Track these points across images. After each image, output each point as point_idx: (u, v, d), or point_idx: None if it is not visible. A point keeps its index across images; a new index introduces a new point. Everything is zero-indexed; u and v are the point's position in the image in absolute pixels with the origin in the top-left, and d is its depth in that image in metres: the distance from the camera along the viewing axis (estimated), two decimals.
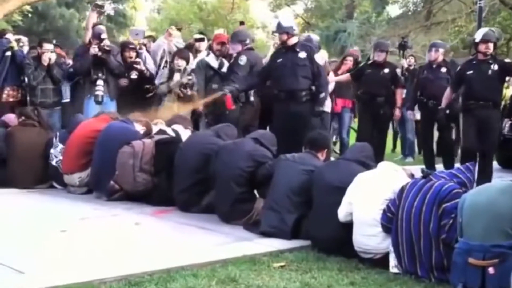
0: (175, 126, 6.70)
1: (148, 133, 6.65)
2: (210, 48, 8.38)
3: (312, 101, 7.23)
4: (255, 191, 5.63)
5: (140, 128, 6.73)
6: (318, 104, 7.27)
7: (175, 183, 6.00)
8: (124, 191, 6.26)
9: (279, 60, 7.28)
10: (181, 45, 8.82)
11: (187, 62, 8.16)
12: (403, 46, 9.76)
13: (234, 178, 5.44)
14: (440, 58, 8.72)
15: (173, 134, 6.56)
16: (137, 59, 8.46)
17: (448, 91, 7.87)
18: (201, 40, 8.83)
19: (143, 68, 8.41)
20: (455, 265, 3.78)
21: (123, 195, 6.26)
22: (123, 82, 8.38)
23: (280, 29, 7.33)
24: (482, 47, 7.40)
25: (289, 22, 7.53)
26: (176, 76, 8.04)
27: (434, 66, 8.67)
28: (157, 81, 8.43)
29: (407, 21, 22.34)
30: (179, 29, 9.48)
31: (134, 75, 8.36)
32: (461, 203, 3.87)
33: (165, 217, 5.70)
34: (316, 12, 26.11)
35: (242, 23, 10.51)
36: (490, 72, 7.36)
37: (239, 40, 7.80)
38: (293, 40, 7.29)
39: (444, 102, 7.90)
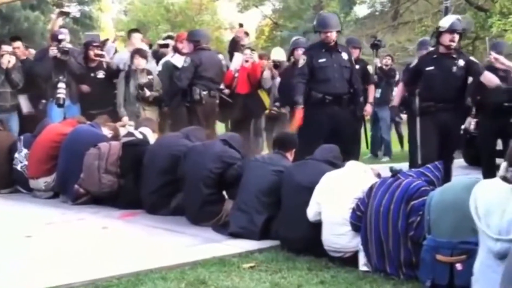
0: (143, 129, 6.65)
1: (116, 137, 6.59)
2: (175, 48, 8.31)
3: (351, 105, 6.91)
4: (224, 193, 5.60)
5: (107, 132, 6.66)
6: (359, 109, 7.07)
7: (143, 185, 5.95)
8: (90, 195, 6.19)
9: (321, 61, 6.74)
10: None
11: (146, 61, 8.09)
12: (376, 46, 9.74)
13: (202, 179, 5.41)
14: None
15: (140, 137, 6.50)
16: (102, 52, 8.34)
17: (400, 87, 7.03)
18: (166, 46, 8.74)
19: (109, 60, 8.31)
20: (424, 262, 3.81)
21: (89, 199, 6.21)
22: (85, 88, 8.25)
23: (334, 26, 6.86)
24: (447, 39, 6.30)
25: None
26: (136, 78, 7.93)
27: None
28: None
29: (375, 21, 22.54)
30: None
31: (101, 74, 8.26)
32: (428, 201, 3.89)
33: (132, 220, 5.65)
34: (284, 13, 26.20)
35: (241, 25, 10.30)
36: (454, 68, 6.31)
37: (192, 40, 7.79)
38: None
39: (396, 99, 7.17)
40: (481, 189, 3.45)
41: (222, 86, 8.52)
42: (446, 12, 13.42)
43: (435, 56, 6.43)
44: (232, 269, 4.22)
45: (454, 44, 6.31)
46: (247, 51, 9.03)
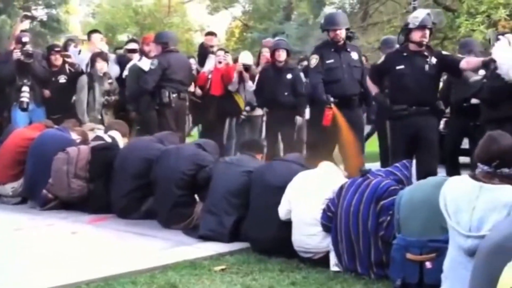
0: (112, 133, 6.58)
1: (84, 142, 6.52)
2: (141, 51, 8.22)
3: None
4: (196, 196, 5.57)
5: (76, 137, 6.60)
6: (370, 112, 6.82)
7: (114, 189, 5.92)
8: (58, 199, 6.12)
9: (329, 61, 6.47)
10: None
11: (107, 63, 8.01)
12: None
13: (175, 181, 5.39)
14: None
15: (109, 140, 6.43)
16: (68, 53, 8.25)
17: (370, 84, 6.24)
18: (134, 51, 8.65)
19: (75, 62, 8.22)
20: (394, 261, 3.83)
21: (58, 204, 6.14)
22: (46, 93, 8.14)
23: (342, 24, 6.61)
24: (417, 35, 5.79)
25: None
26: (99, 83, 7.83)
27: None
28: None
29: None
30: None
31: (62, 79, 8.16)
32: (398, 200, 3.91)
33: (102, 224, 5.59)
34: (254, 14, 26.20)
35: (211, 33, 10.20)
36: (427, 67, 5.81)
37: (160, 42, 7.72)
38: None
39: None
40: (450, 187, 3.49)
41: (192, 88, 8.49)
42: None
43: (405, 54, 5.91)
44: (203, 272, 4.20)
45: (425, 40, 5.82)
46: (220, 52, 9.01)
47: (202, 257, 4.50)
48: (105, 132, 6.70)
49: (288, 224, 4.50)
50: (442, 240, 3.53)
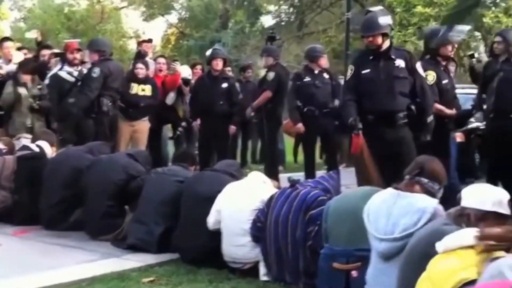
0: (40, 142, 6.41)
1: (11, 152, 6.34)
2: (63, 59, 7.76)
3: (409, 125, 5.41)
4: (126, 206, 5.49)
5: (1, 147, 6.41)
6: (425, 131, 5.47)
7: (42, 199, 5.78)
8: None
9: (365, 71, 5.45)
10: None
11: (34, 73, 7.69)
12: (272, 38, 9.63)
13: (105, 191, 5.32)
14: (324, 64, 7.80)
15: (37, 150, 6.27)
16: None
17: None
18: (60, 55, 8.40)
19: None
20: (321, 270, 3.87)
21: None
22: None
23: (375, 28, 5.39)
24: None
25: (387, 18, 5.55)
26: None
27: (316, 72, 7.65)
28: None
29: (281, 31, 22.79)
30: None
31: None
32: (325, 210, 3.95)
33: (28, 236, 5.46)
34: (191, 22, 26.09)
35: (149, 40, 10.08)
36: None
37: (96, 50, 7.52)
38: (386, 43, 5.47)
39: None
40: (374, 197, 3.57)
41: None
42: (348, 23, 13.67)
43: (371, 58, 5.43)
44: (131, 284, 4.16)
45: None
46: (161, 60, 8.93)
47: (130, 269, 4.45)
48: (33, 141, 6.52)
49: (217, 234, 4.49)
50: (368, 249, 3.58)
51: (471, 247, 2.61)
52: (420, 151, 4.87)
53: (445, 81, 6.05)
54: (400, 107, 5.32)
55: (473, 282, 2.49)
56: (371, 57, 5.43)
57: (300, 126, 7.52)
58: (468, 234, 2.66)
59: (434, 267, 2.71)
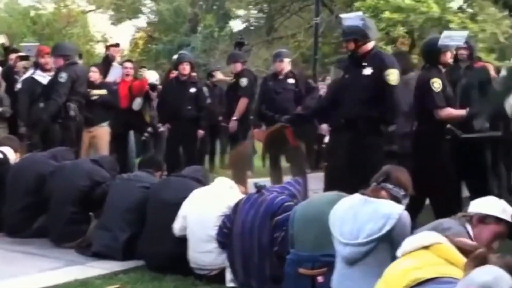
0: (3, 148, 6.30)
1: None
2: (36, 64, 7.86)
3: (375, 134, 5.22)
4: (91, 213, 5.42)
5: None
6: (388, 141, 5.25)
7: (5, 206, 5.68)
8: None
9: (344, 76, 5.50)
10: None
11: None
12: (240, 44, 9.61)
13: (69, 197, 5.26)
14: (287, 69, 7.51)
15: (1, 156, 6.16)
16: None
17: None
18: (26, 58, 8.31)
19: None
20: (287, 276, 3.85)
21: None
22: None
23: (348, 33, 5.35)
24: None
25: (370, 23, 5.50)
26: None
27: (281, 77, 7.46)
28: None
29: (250, 35, 22.86)
30: None
31: None
32: (292, 215, 3.95)
33: None
34: (160, 26, 25.96)
35: (116, 45, 9.87)
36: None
37: (61, 55, 7.45)
38: (363, 49, 5.29)
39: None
40: (341, 202, 3.57)
41: None
42: (317, 28, 13.74)
43: (347, 63, 5.44)
44: None
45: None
46: (128, 64, 8.86)
47: (94, 276, 4.40)
48: None
49: (183, 240, 4.46)
50: (334, 255, 3.58)
51: (428, 247, 2.63)
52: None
53: (448, 88, 6.04)
54: (363, 114, 5.17)
55: (428, 281, 2.49)
56: (347, 63, 5.53)
57: (256, 131, 7.48)
58: (428, 236, 2.70)
59: (389, 269, 2.73)
